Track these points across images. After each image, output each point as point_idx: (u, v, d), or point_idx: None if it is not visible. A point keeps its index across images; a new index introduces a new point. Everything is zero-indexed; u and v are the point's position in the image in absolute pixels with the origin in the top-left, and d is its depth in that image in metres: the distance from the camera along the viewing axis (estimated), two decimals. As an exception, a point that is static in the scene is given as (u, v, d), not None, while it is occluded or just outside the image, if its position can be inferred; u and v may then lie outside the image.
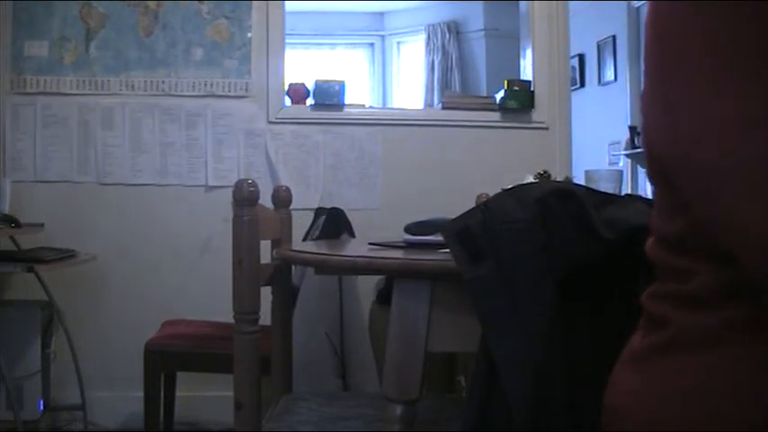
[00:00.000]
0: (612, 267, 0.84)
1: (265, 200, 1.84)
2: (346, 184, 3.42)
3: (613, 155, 5.90)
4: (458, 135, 3.47)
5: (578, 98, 5.08)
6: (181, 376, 2.79)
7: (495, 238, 0.66)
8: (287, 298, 1.95)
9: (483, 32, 5.96)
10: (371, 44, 6.56)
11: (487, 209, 0.75)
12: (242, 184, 1.57)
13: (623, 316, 0.75)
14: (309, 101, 3.44)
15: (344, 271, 1.93)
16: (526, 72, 3.63)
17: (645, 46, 0.66)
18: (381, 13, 6.49)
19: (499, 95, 3.51)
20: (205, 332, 2.74)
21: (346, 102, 3.46)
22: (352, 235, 2.91)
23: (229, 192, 1.64)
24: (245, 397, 1.57)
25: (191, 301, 3.21)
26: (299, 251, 1.66)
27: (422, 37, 6.25)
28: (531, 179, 2.38)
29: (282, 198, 2.07)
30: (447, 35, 6.10)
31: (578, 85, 6.09)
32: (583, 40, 5.83)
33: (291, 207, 2.09)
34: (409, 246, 1.66)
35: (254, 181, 1.61)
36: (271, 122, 3.38)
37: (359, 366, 2.66)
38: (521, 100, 3.47)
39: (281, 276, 1.87)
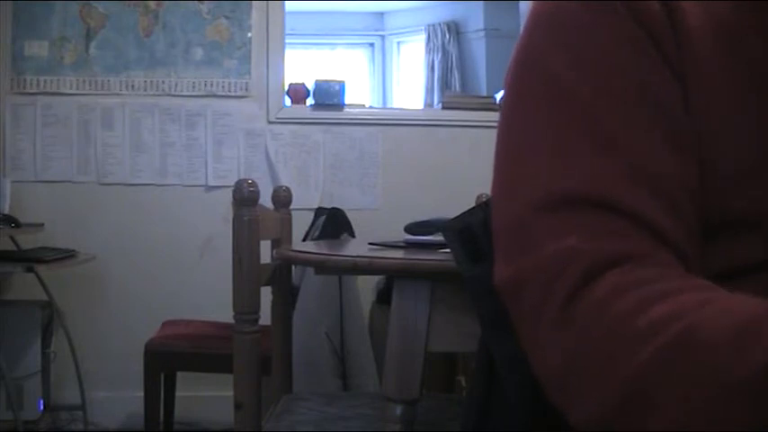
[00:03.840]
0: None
1: (265, 200, 1.84)
2: (346, 184, 3.42)
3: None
4: (458, 135, 3.47)
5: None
6: (181, 376, 2.79)
7: (495, 237, 0.66)
8: (287, 298, 1.95)
9: (483, 32, 5.95)
10: (371, 44, 6.55)
11: (489, 208, 0.75)
12: (242, 184, 1.57)
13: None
14: (309, 101, 3.44)
15: (344, 271, 1.93)
16: (526, 72, 3.63)
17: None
18: (381, 13, 6.48)
19: (499, 95, 3.51)
20: (205, 332, 2.74)
21: (346, 102, 3.45)
22: (353, 235, 2.91)
23: (229, 192, 1.64)
24: (245, 397, 1.57)
25: (191, 301, 3.20)
26: (299, 251, 1.66)
27: (422, 37, 6.24)
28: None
29: (282, 198, 2.07)
30: (447, 35, 6.09)
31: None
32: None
33: (291, 207, 2.09)
34: (409, 246, 1.66)
35: (254, 181, 1.61)
36: (271, 122, 3.38)
37: (359, 366, 2.66)
38: (521, 100, 3.47)
39: (281, 276, 1.87)
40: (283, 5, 3.43)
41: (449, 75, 6.09)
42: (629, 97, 0.61)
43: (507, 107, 0.67)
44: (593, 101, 0.61)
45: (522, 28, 0.68)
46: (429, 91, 6.14)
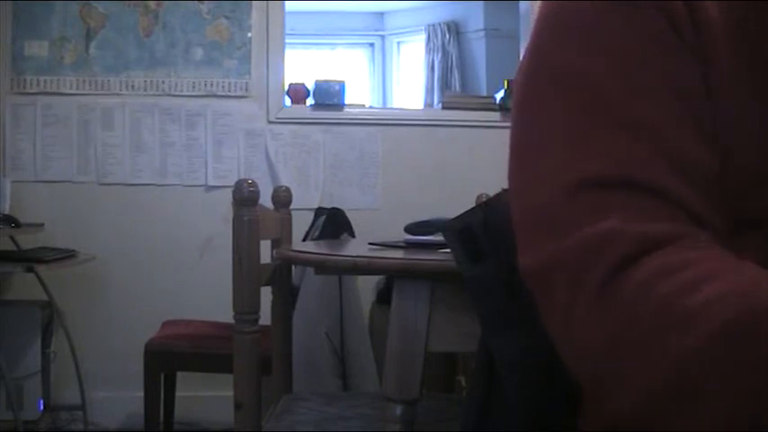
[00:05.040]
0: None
1: (265, 200, 1.84)
2: (346, 184, 3.42)
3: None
4: (458, 135, 3.47)
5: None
6: (181, 376, 2.79)
7: (496, 237, 0.66)
8: (287, 298, 1.95)
9: (483, 32, 5.95)
10: (371, 44, 6.55)
11: (489, 208, 0.75)
12: (242, 184, 1.57)
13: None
14: (309, 101, 3.44)
15: (344, 271, 1.93)
16: (526, 72, 3.62)
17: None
18: (381, 13, 6.48)
19: (499, 95, 3.51)
20: (205, 332, 2.74)
21: (346, 102, 3.45)
22: (353, 235, 2.91)
23: (229, 192, 1.64)
24: (245, 397, 1.57)
25: (191, 301, 3.20)
26: (299, 251, 1.66)
27: (422, 37, 6.24)
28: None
29: (282, 198, 2.07)
30: (447, 35, 6.09)
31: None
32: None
33: (291, 207, 2.09)
34: (409, 246, 1.66)
35: (254, 181, 1.61)
36: (271, 122, 3.38)
37: (359, 366, 2.66)
38: (521, 100, 3.47)
39: (281, 276, 1.87)
40: (283, 5, 3.43)
41: (449, 75, 6.09)
42: (652, 83, 0.61)
43: (520, 106, 0.66)
44: (617, 89, 0.61)
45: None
46: (429, 91, 6.15)
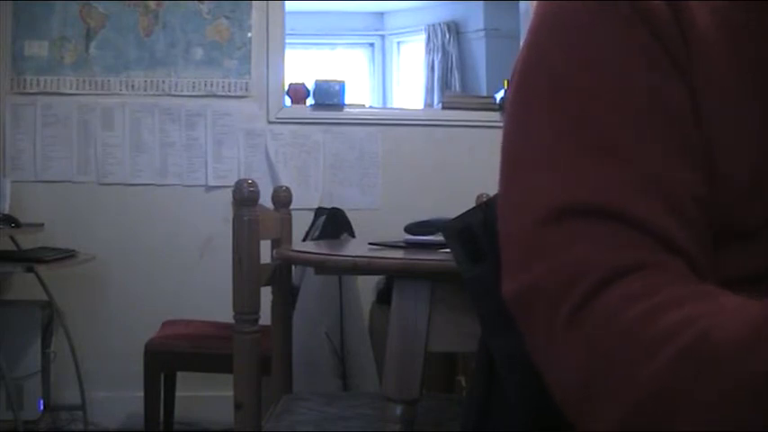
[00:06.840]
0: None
1: (265, 200, 1.84)
2: (346, 184, 3.42)
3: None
4: (458, 135, 3.47)
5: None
6: (181, 376, 2.79)
7: (496, 237, 0.66)
8: (287, 298, 1.95)
9: (483, 32, 5.94)
10: (371, 44, 6.55)
11: (488, 208, 0.75)
12: (242, 184, 1.57)
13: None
14: (309, 101, 3.44)
15: (344, 271, 1.93)
16: (526, 72, 3.62)
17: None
18: (381, 13, 6.48)
19: (499, 95, 3.51)
20: (205, 332, 2.74)
21: (346, 102, 3.45)
22: (353, 235, 2.91)
23: (229, 192, 1.64)
24: (245, 397, 1.57)
25: (191, 301, 3.20)
26: (299, 251, 1.66)
27: (422, 37, 6.24)
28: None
29: (282, 198, 2.07)
30: (447, 35, 6.09)
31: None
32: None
33: (291, 207, 2.09)
34: (409, 246, 1.66)
35: (254, 181, 1.61)
36: (271, 122, 3.38)
37: (359, 366, 2.66)
38: (521, 100, 3.47)
39: (281, 276, 1.87)
40: (283, 5, 3.43)
41: (449, 75, 6.09)
42: (638, 103, 0.60)
43: (513, 108, 0.66)
44: (600, 106, 0.60)
45: (523, 28, 0.67)
46: (429, 91, 6.14)
